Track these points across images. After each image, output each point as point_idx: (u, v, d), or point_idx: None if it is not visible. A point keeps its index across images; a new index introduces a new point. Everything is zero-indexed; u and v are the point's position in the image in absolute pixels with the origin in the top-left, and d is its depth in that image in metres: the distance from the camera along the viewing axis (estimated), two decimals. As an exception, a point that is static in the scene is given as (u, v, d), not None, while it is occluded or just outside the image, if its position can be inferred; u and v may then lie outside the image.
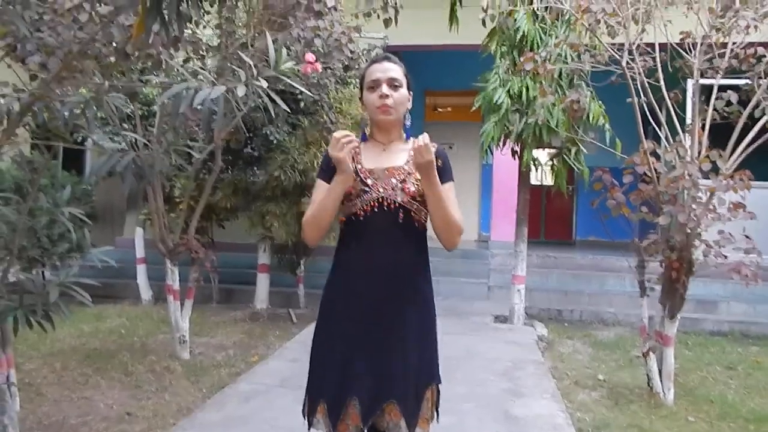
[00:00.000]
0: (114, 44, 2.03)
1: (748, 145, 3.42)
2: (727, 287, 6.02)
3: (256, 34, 3.57)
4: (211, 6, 3.15)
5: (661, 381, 3.47)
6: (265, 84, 1.83)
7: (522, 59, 3.99)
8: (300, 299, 5.92)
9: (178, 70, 2.45)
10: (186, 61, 3.27)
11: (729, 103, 3.52)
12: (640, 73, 3.51)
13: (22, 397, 3.09)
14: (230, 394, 3.35)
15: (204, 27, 3.62)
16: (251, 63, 1.97)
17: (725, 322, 5.64)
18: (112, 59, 2.04)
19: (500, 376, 3.82)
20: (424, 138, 1.55)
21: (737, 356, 4.74)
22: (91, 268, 2.83)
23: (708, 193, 3.24)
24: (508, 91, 4.80)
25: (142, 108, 4.77)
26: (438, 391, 1.75)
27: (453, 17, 5.21)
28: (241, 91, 1.76)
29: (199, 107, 1.94)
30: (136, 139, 2.99)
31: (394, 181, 1.66)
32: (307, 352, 1.74)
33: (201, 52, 3.52)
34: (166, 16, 1.31)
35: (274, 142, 4.98)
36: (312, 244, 1.75)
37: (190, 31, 3.31)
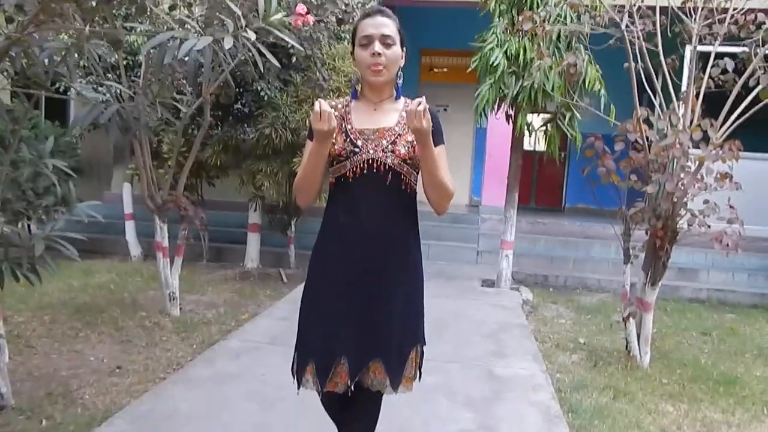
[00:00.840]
0: (95, -13, 1.93)
1: (740, 114, 3.41)
2: (708, 256, 6.16)
3: (246, -17, 3.41)
4: (199, -49, 3.00)
5: (638, 345, 3.57)
6: (253, 36, 1.76)
7: (521, 18, 3.88)
8: (290, 259, 5.95)
9: (163, 17, 2.35)
10: (172, 8, 3.13)
11: (725, 71, 3.48)
12: (639, 38, 3.44)
13: (11, 349, 3.11)
14: (220, 351, 3.40)
15: (191, -27, 3.46)
16: (240, 13, 1.89)
17: (704, 289, 5.79)
18: (94, 3, 1.94)
19: (485, 337, 3.91)
20: (422, 103, 1.49)
21: (713, 323, 4.88)
22: (77, 223, 2.80)
23: (696, 162, 3.25)
24: (505, 52, 4.70)
25: (127, 57, 4.62)
26: (422, 352, 1.78)
27: (451, -28, 5.02)
28: (228, 42, 1.69)
29: (185, 59, 1.87)
30: (120, 90, 2.89)
31: (384, 142, 1.64)
32: (297, 311, 1.76)
33: (187, 0, 3.37)
34: (149, -42, 1.24)
35: (265, 98, 4.87)
36: (303, 207, 1.75)
37: (176, -23, 3.15)
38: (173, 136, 4.79)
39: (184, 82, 3.76)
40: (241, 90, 4.90)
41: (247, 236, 5.85)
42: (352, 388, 1.66)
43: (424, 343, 1.79)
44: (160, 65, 1.82)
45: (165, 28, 2.22)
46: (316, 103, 1.51)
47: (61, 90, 3.85)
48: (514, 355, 3.57)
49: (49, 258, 2.17)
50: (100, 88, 3.19)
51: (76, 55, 1.96)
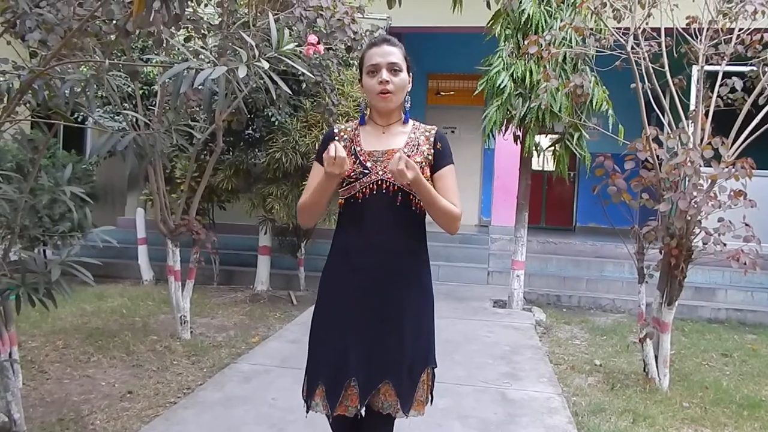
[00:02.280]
0: (114, 21, 2.00)
1: (751, 132, 3.40)
2: (725, 275, 6.04)
3: (258, 13, 3.52)
4: (213, -16, 3.11)
5: (657, 367, 3.50)
6: (266, 65, 1.81)
7: (526, 42, 3.94)
8: (300, 281, 5.96)
9: (179, 49, 2.42)
10: (187, 40, 3.23)
11: (733, 90, 3.49)
12: (644, 58, 3.47)
13: (24, 375, 3.13)
14: (231, 374, 3.39)
15: (205, 5, 3.57)
16: (253, 43, 1.95)
17: (723, 309, 5.67)
18: (113, 37, 2.01)
19: (498, 359, 3.86)
20: (398, 163, 1.48)
21: (733, 343, 4.77)
22: (92, 248, 2.85)
23: (709, 181, 3.23)
24: (512, 74, 4.75)
25: (143, 87, 4.74)
26: (433, 375, 1.77)
27: (457, -2, 5.13)
28: (242, 71, 1.74)
29: (200, 87, 1.93)
30: (136, 119, 2.97)
31: None
32: (307, 334, 1.76)
33: (202, 31, 3.48)
34: (167, -6, 1.29)
35: (276, 123, 4.96)
36: (304, 226, 1.77)
37: (191, 9, 3.26)
38: (186, 161, 4.88)
39: (198, 109, 3.84)
40: (252, 116, 5.00)
41: (258, 259, 5.88)
42: (363, 413, 1.65)
43: (436, 365, 1.77)
44: (176, 94, 1.87)
45: (180, 58, 2.28)
46: (331, 147, 1.53)
47: (79, 119, 3.95)
48: (529, 378, 3.51)
49: (65, 283, 2.20)
50: (117, 117, 3.27)
51: (95, 86, 2.02)
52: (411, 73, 1.72)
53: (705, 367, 4.07)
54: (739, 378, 3.85)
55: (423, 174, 1.64)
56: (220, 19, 3.62)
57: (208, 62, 1.87)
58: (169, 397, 3.04)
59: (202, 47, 2.52)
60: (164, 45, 2.40)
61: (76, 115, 3.91)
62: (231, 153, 5.23)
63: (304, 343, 1.76)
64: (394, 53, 1.66)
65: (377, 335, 1.65)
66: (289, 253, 5.93)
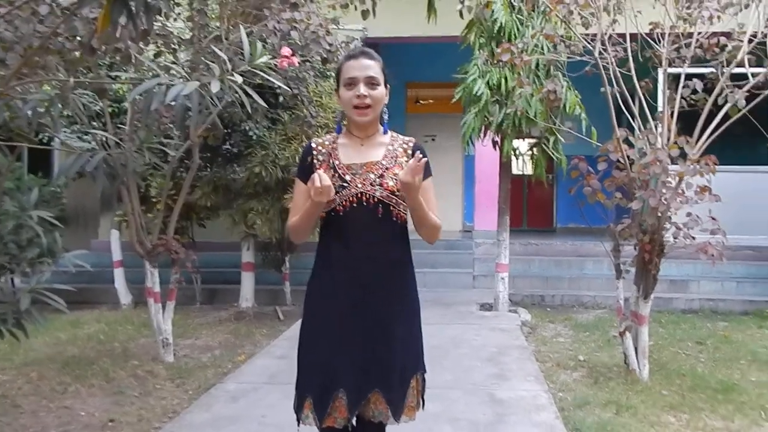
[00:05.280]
0: (78, 38, 1.94)
1: (713, 131, 3.54)
2: (697, 267, 6.23)
3: (230, 27, 3.49)
4: (182, -3, 3.07)
5: (636, 358, 3.59)
6: (240, 79, 1.78)
7: (499, 50, 4.00)
8: (286, 296, 5.87)
9: (148, 65, 2.37)
10: (157, 55, 3.17)
11: (695, 91, 3.64)
12: (612, 63, 3.59)
13: (-3, 409, 3.00)
14: (217, 394, 3.31)
15: (174, 19, 3.52)
16: (225, 57, 1.92)
17: (696, 300, 5.89)
18: (77, 54, 1.96)
19: (486, 362, 3.88)
20: (422, 159, 1.54)
21: (707, 331, 4.94)
22: (65, 274, 2.76)
23: (677, 178, 3.36)
24: (488, 82, 4.83)
25: (112, 105, 4.64)
26: (423, 380, 1.77)
27: (431, 8, 5.18)
28: (215, 86, 1.71)
29: (172, 103, 1.89)
30: (106, 138, 2.90)
31: (372, 176, 1.66)
32: (296, 348, 1.74)
33: (172, 46, 3.42)
34: (133, 8, 1.26)
35: (254, 137, 4.91)
36: (298, 243, 1.76)
37: (159, 24, 3.21)
38: (161, 179, 4.78)
39: (171, 126, 3.78)
40: (229, 131, 4.94)
41: (241, 275, 5.78)
42: (353, 423, 1.63)
43: (425, 371, 1.77)
44: (147, 111, 1.83)
45: (150, 74, 2.24)
46: (316, 176, 1.54)
47: (44, 140, 3.83)
48: (516, 377, 3.55)
49: (36, 311, 2.11)
50: (85, 137, 3.19)
51: (59, 106, 1.96)
52: (389, 86, 1.72)
53: (681, 356, 4.19)
54: (713, 364, 3.97)
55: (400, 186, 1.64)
56: (191, 33, 3.57)
57: (180, 78, 1.83)
58: (153, 423, 2.95)
59: (173, 62, 2.48)
60: (133, 61, 2.35)
61: (41, 136, 3.81)
62: (209, 169, 5.15)
63: (292, 359, 1.73)
64: (372, 67, 1.66)
65: (365, 346, 1.64)
66: (273, 268, 5.85)
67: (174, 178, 4.51)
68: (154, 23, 2.06)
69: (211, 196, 5.24)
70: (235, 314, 5.44)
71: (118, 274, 5.95)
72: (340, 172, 1.67)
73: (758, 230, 6.44)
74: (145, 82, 1.78)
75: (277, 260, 5.80)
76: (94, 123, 3.18)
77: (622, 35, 3.73)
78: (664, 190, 3.31)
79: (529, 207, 9.59)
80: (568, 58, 3.89)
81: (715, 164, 3.28)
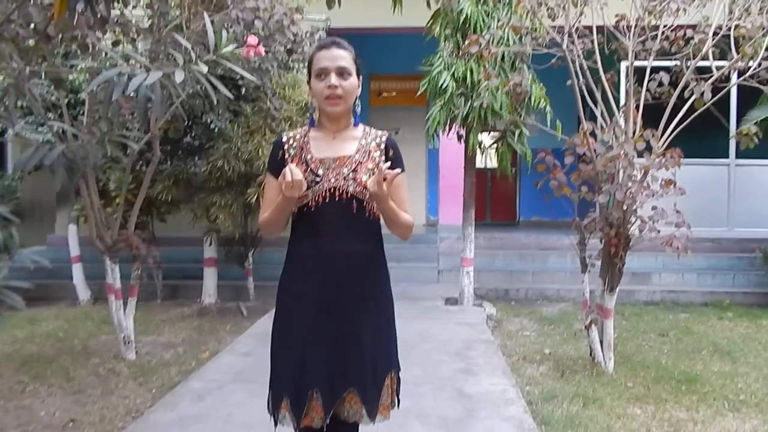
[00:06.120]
0: (33, 25, 1.84)
1: (678, 124, 3.60)
2: (658, 259, 6.41)
3: (191, 15, 3.38)
4: (141, -16, 2.95)
5: (602, 351, 3.66)
6: (205, 69, 1.73)
7: (467, 42, 4.00)
8: (250, 292, 5.78)
9: (107, 54, 2.28)
10: (115, 44, 3.04)
11: (661, 84, 3.68)
12: (579, 56, 3.61)
13: (-53, 413, 2.85)
14: (182, 393, 3.23)
15: (133, 7, 3.38)
16: (188, 46, 1.86)
17: (657, 292, 6.03)
18: (32, 42, 1.86)
19: (453, 356, 3.91)
20: (390, 172, 1.53)
21: (669, 323, 5.07)
22: (21, 270, 2.62)
23: (642, 171, 3.40)
24: (453, 74, 4.82)
25: (69, 95, 4.44)
26: (398, 379, 1.76)
27: (396, -2, 5.16)
28: (179, 76, 1.66)
29: (133, 94, 1.82)
30: (64, 130, 2.77)
31: (345, 170, 1.64)
32: (261, 344, 1.72)
33: (131, 35, 3.29)
34: (92, -5, 1.21)
35: (216, 130, 4.79)
36: (270, 238, 1.73)
37: (118, 12, 3.08)
38: (121, 173, 4.61)
39: (131, 117, 3.64)
40: (190, 123, 4.80)
41: (204, 271, 5.66)
42: (328, 422, 1.62)
43: (399, 369, 1.77)
44: (108, 102, 1.76)
45: (109, 64, 2.15)
46: (287, 171, 1.51)
47: (-3, 132, 3.64)
48: (484, 372, 3.58)
49: (-10, 310, 2.01)
50: (41, 128, 3.04)
51: (14, 96, 1.86)
52: (360, 77, 1.70)
53: (645, 348, 4.30)
54: (676, 355, 4.09)
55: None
56: (150, 21, 3.44)
57: (141, 67, 1.76)
58: (116, 423, 2.86)
59: (133, 51, 2.39)
60: (91, 50, 2.25)
61: (-7, 128, 3.61)
62: (169, 162, 4.99)
63: (258, 356, 1.71)
64: (344, 57, 1.64)
65: (338, 343, 1.63)
66: (236, 263, 5.74)
67: (134, 172, 4.35)
68: (112, 10, 1.98)
69: (172, 190, 5.10)
70: (198, 310, 5.33)
71: (77, 270, 5.73)
72: (312, 166, 1.64)
73: (717, 222, 6.66)
74: (105, 71, 1.70)
75: (240, 255, 5.70)
76: (51, 114, 3.03)
77: (589, 27, 3.73)
78: (629, 184, 3.34)
79: (492, 200, 9.74)
80: (534, 50, 3.89)
81: (681, 157, 3.31)
